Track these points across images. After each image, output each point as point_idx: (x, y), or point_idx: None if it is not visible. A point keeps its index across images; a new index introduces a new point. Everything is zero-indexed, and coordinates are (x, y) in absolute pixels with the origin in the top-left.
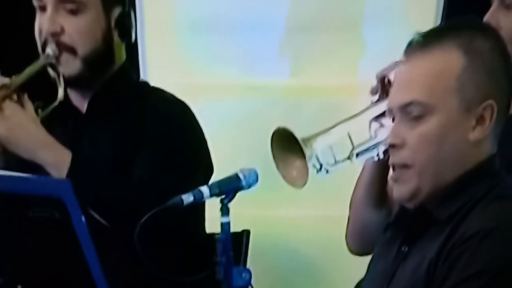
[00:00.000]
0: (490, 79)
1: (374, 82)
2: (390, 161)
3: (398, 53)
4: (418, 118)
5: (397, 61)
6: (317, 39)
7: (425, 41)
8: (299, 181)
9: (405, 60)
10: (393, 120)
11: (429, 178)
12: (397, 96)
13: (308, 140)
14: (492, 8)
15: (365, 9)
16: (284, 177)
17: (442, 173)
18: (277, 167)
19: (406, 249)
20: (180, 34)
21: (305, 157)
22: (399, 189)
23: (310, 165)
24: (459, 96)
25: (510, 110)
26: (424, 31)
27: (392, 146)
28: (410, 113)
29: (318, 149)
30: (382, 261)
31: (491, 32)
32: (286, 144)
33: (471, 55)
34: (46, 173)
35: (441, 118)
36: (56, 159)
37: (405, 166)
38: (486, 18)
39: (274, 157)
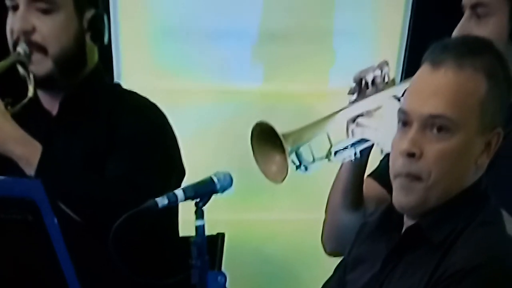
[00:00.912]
0: (501, 107)
1: (344, 89)
2: (401, 169)
3: (368, 62)
4: (443, 133)
5: (379, 64)
6: (289, 47)
7: (458, 55)
8: (279, 176)
9: (433, 66)
10: (403, 123)
11: (437, 194)
12: (422, 105)
13: (288, 135)
14: (463, 18)
15: (335, 20)
16: (263, 172)
17: (449, 191)
18: (257, 161)
19: (393, 264)
20: (155, 39)
21: (285, 152)
22: (405, 199)
23: (289, 160)
24: (480, 120)
25: None
26: (450, 40)
27: (409, 154)
28: (435, 125)
29: (298, 145)
30: (366, 273)
31: (504, 62)
32: (266, 139)
33: (493, 82)
34: (17, 174)
35: (463, 138)
36: (26, 151)
37: (417, 178)
38: (458, 28)
39: (254, 151)
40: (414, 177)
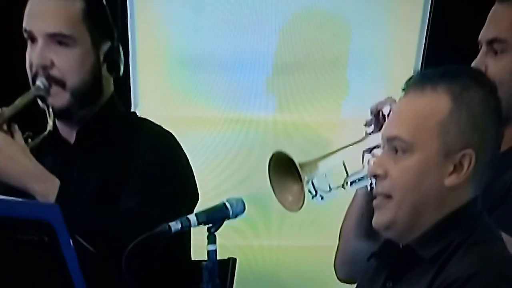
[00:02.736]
0: (474, 129)
1: (356, 120)
2: (374, 191)
3: (380, 94)
4: (401, 153)
5: (389, 97)
6: (303, 77)
7: (421, 81)
8: (295, 206)
9: (403, 96)
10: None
11: (406, 212)
12: (386, 128)
13: (305, 165)
14: (480, 54)
15: (349, 51)
16: (280, 201)
17: (420, 212)
18: (274, 191)
19: (391, 284)
20: (171, 68)
21: (302, 182)
22: (378, 217)
23: (306, 190)
24: (441, 141)
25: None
26: (424, 71)
27: (375, 176)
28: (395, 146)
29: (314, 175)
30: None
31: (487, 85)
32: (283, 168)
33: (459, 103)
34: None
35: (421, 158)
36: (45, 188)
37: (387, 196)
38: (474, 63)
39: (271, 181)
40: (384, 196)
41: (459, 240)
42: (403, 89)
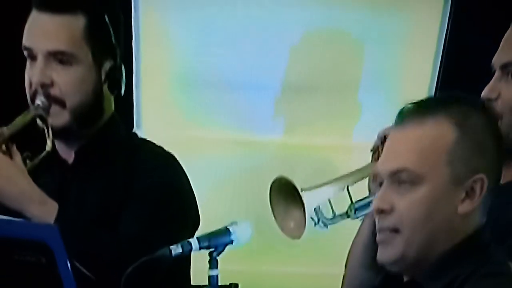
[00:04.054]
0: (480, 154)
1: (368, 144)
2: (377, 226)
3: (392, 118)
4: (408, 185)
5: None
6: (313, 99)
7: (419, 111)
8: (296, 232)
9: (397, 128)
10: (380, 185)
11: (416, 246)
12: (387, 163)
13: (308, 191)
14: (494, 77)
15: (362, 73)
16: (281, 228)
17: (431, 244)
18: (275, 216)
19: None
20: (176, 88)
21: (303, 208)
22: (385, 252)
23: (308, 216)
24: (450, 169)
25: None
26: (416, 101)
27: (380, 211)
28: (400, 179)
29: (317, 201)
30: None
31: (485, 110)
32: (285, 194)
33: (464, 130)
34: None
35: (430, 188)
36: (43, 211)
37: (394, 230)
38: (488, 87)
39: (272, 206)
40: (391, 230)
41: (469, 272)
42: (396, 122)
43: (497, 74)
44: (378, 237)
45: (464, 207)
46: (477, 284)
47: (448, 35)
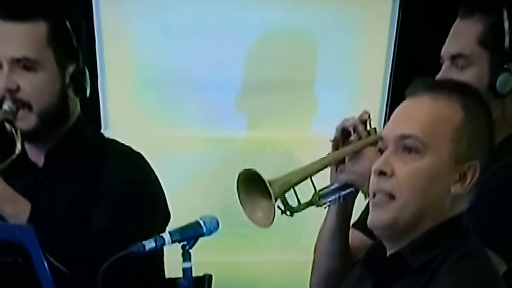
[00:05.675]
0: (479, 143)
1: (326, 136)
2: (374, 188)
3: (347, 110)
4: (413, 154)
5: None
6: (272, 95)
7: (436, 87)
8: (265, 222)
9: (411, 98)
10: (381, 150)
11: (408, 215)
12: (396, 127)
13: (274, 182)
14: (443, 69)
15: (317, 68)
16: (250, 218)
17: (421, 216)
18: (243, 208)
19: None
20: (141, 89)
21: (271, 198)
22: (377, 216)
23: (275, 206)
24: (453, 146)
25: None
26: (434, 79)
27: (381, 173)
28: (406, 145)
29: (284, 191)
30: None
31: (485, 103)
32: (252, 185)
33: (470, 115)
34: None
35: (433, 160)
36: (16, 209)
37: (390, 195)
38: (438, 77)
39: (240, 198)
40: (387, 195)
41: (448, 251)
42: (410, 92)
43: (446, 64)
44: (371, 200)
45: (455, 188)
46: (455, 264)
47: (399, 26)
